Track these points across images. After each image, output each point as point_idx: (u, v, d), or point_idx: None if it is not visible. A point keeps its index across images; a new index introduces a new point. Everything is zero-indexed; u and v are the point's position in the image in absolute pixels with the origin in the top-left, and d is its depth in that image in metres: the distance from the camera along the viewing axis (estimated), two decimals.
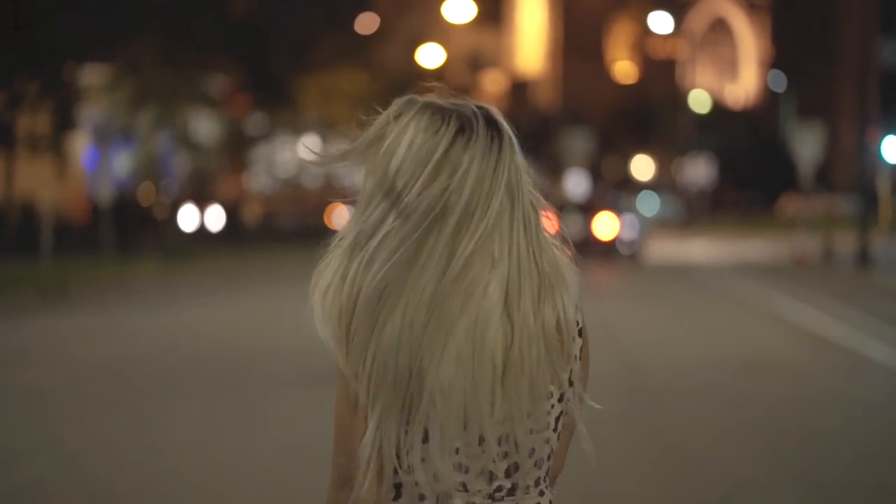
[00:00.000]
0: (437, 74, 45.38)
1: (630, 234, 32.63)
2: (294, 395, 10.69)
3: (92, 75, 35.19)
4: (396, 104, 2.02)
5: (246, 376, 11.86)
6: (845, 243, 30.35)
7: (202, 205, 39.93)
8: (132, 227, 31.91)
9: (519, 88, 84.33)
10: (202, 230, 37.91)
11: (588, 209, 32.79)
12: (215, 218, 39.92)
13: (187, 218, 38.78)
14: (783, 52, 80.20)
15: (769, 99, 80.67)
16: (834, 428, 9.28)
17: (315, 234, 46.58)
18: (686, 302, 19.66)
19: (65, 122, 31.68)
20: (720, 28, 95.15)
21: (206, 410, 10.06)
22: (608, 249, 31.85)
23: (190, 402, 10.42)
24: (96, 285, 23.83)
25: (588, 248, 30.32)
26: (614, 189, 55.41)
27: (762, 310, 18.35)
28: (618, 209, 33.52)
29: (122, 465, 8.07)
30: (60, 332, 15.86)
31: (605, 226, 32.39)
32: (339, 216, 47.65)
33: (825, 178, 39.28)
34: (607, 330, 15.14)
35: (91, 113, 35.15)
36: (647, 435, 8.86)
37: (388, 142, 1.98)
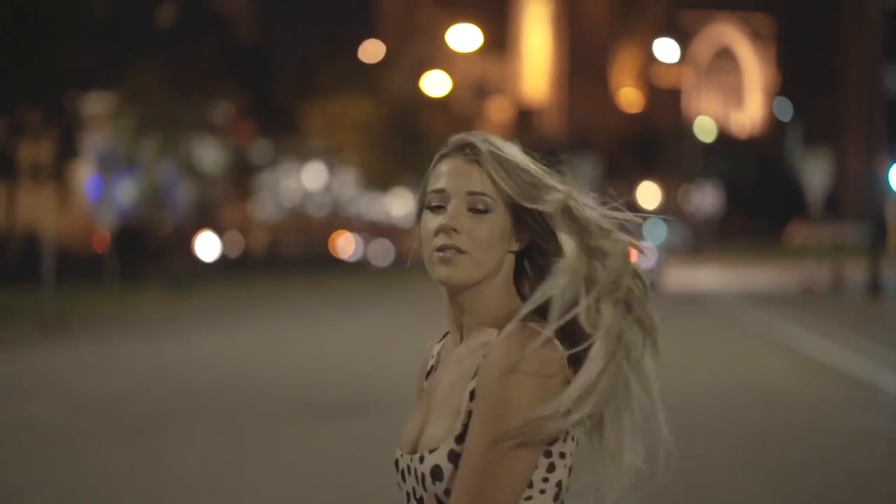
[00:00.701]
0: (442, 102, 45.35)
1: (648, 264, 32.25)
2: (297, 429, 10.40)
3: (95, 103, 34.99)
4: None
5: (247, 410, 11.56)
6: (854, 272, 30.00)
7: (210, 232, 39.69)
8: (137, 257, 31.61)
9: (524, 116, 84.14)
10: (202, 259, 37.62)
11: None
12: (228, 246, 39.63)
13: (207, 246, 38.49)
14: (788, 80, 79.95)
15: (774, 127, 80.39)
16: (852, 465, 8.95)
17: (320, 263, 46.23)
18: (695, 332, 19.34)
19: (67, 151, 31.45)
20: (725, 56, 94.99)
21: (204, 447, 9.76)
22: None
23: (187, 437, 10.12)
24: (98, 315, 23.54)
25: None
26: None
27: (773, 340, 18.02)
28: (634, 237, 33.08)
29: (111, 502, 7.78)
30: (60, 363, 15.58)
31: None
32: (344, 244, 47.46)
33: (833, 206, 38.95)
34: None
35: (94, 141, 34.95)
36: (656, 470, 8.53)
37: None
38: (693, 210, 60.97)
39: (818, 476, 8.50)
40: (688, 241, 58.77)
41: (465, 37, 36.55)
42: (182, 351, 17.09)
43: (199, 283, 31.73)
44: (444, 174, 2.06)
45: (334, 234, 43.99)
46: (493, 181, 2.03)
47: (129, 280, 29.66)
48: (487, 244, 2.01)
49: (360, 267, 46.49)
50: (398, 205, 57.30)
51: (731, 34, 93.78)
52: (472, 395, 1.96)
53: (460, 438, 1.95)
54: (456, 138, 2.10)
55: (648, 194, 69.59)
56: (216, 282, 33.06)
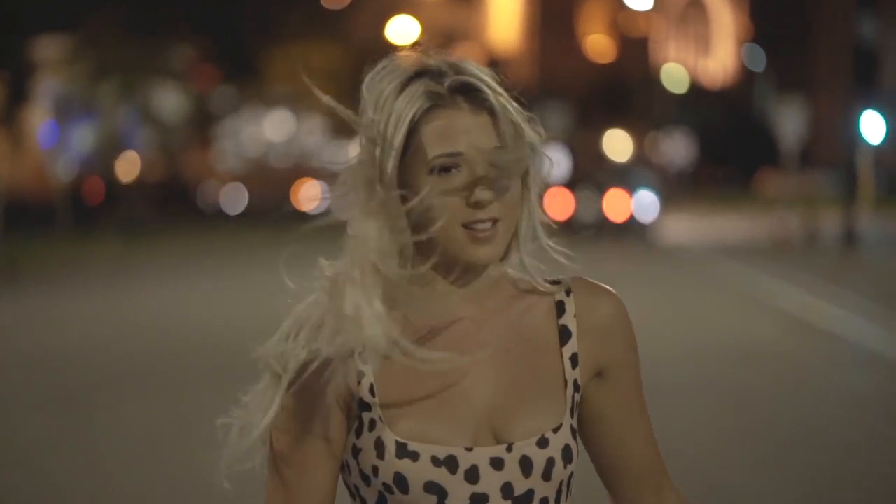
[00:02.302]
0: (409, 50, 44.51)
1: (646, 214, 31.44)
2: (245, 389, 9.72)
3: (50, 46, 34.03)
4: None
5: (194, 370, 10.92)
6: (828, 222, 29.58)
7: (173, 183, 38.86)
8: (93, 206, 30.77)
9: (493, 65, 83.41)
10: (170, 209, 36.75)
11: (600, 186, 31.57)
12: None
13: (235, 198, 37.70)
14: (760, 29, 79.61)
15: (746, 75, 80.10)
16: (841, 428, 8.48)
17: (283, 214, 45.40)
18: (666, 287, 18.82)
19: (18, 95, 30.54)
20: (696, 4, 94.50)
21: (146, 411, 9.12)
22: (621, 231, 30.63)
23: (129, 401, 9.52)
24: (50, 266, 22.87)
25: (601, 230, 29.36)
26: (621, 164, 53.81)
27: (749, 295, 17.55)
28: (629, 187, 32.17)
29: (45, 475, 7.14)
30: (4, 318, 14.89)
31: (618, 205, 31.23)
32: (309, 193, 46.53)
33: (804, 155, 38.61)
34: None
35: (49, 86, 34.00)
36: None
37: None
38: (664, 161, 60.51)
39: (805, 441, 8.11)
40: (659, 191, 58.20)
41: None
42: (133, 305, 16.45)
43: (157, 232, 30.97)
44: (454, 132, 1.77)
45: (297, 183, 43.01)
46: (510, 133, 1.78)
47: (85, 230, 28.83)
48: (515, 202, 1.80)
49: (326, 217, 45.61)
50: None
51: None
52: (575, 360, 1.83)
53: (573, 411, 1.82)
54: (447, 75, 1.79)
55: (619, 143, 69.17)
56: (175, 232, 32.29)
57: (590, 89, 73.91)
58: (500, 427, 1.78)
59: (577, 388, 1.82)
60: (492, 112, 1.77)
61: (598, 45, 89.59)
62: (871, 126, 30.32)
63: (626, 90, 73.52)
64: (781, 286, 18.39)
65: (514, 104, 1.80)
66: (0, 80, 30.70)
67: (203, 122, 42.47)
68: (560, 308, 1.84)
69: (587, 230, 29.26)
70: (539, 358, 1.82)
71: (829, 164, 52.25)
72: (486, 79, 1.80)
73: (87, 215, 29.82)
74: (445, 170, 1.76)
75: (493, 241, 1.77)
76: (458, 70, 1.80)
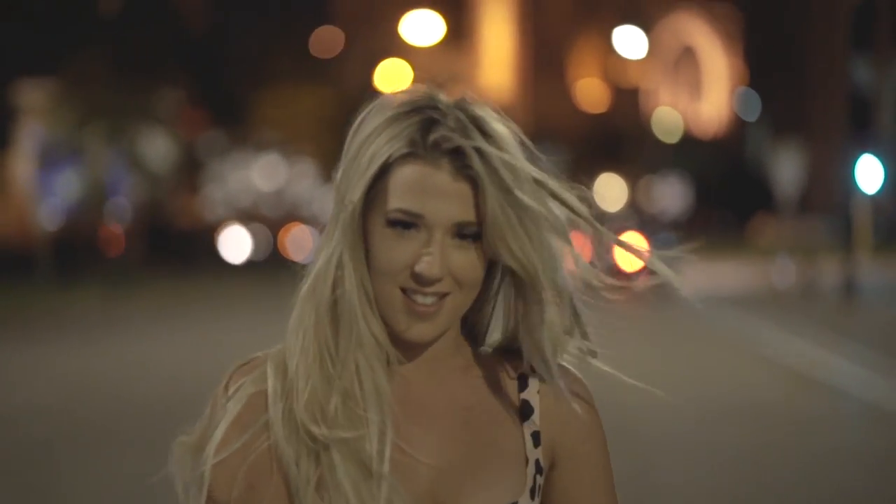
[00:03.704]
0: None
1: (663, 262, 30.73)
2: None
3: (34, 91, 33.60)
4: None
5: (166, 431, 10.31)
6: (826, 271, 29.09)
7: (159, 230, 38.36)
8: (77, 257, 30.17)
9: None
10: (151, 258, 36.14)
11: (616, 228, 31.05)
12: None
13: (234, 244, 37.15)
14: (754, 74, 79.73)
15: (739, 121, 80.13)
16: (842, 486, 7.95)
17: (270, 264, 44.80)
18: (660, 338, 18.29)
19: (2, 141, 30.12)
20: (689, 49, 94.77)
21: (112, 474, 8.55)
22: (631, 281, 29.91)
23: (95, 462, 8.94)
24: (27, 317, 22.31)
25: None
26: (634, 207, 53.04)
27: (748, 346, 17.05)
28: (647, 231, 31.38)
29: None
30: None
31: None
32: (296, 243, 45.81)
33: (801, 201, 38.28)
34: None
35: (33, 131, 33.54)
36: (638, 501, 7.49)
37: None
38: (658, 210, 60.17)
39: (805, 500, 7.48)
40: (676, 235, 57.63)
41: (422, 28, 35.55)
42: (107, 359, 15.88)
43: (142, 282, 30.39)
44: (420, 189, 1.60)
45: (284, 228, 42.33)
46: (483, 209, 1.59)
47: (66, 280, 28.25)
48: (475, 281, 1.62)
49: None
50: None
51: (694, 27, 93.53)
52: (537, 439, 1.68)
53: (533, 492, 1.67)
54: (441, 109, 1.62)
55: (613, 188, 68.88)
56: (162, 281, 31.70)
57: (583, 137, 73.94)
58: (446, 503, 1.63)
59: (539, 469, 1.68)
60: (474, 184, 1.58)
61: (591, 92, 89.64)
62: (868, 172, 29.95)
63: (619, 138, 73.60)
64: (781, 337, 17.93)
65: (523, 168, 1.60)
66: None
67: (191, 168, 42.05)
68: (522, 381, 1.71)
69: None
70: (497, 430, 1.68)
71: (826, 210, 51.92)
72: (479, 144, 1.58)
73: (70, 265, 29.24)
74: (404, 226, 1.59)
75: (432, 320, 1.60)
76: (456, 121, 1.60)
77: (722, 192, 69.16)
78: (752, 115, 72.69)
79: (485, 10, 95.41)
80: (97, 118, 34.07)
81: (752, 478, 8.56)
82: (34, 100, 33.62)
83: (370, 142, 1.61)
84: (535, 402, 1.70)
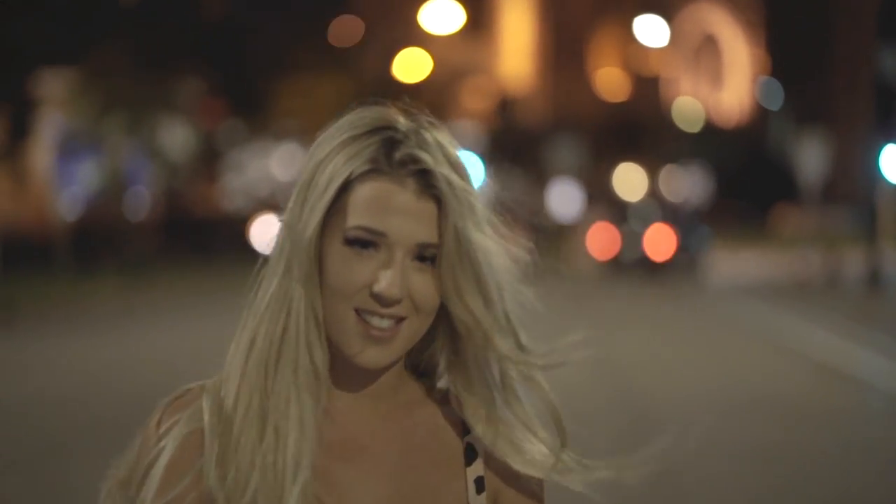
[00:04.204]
0: (417, 87, 44.08)
1: (690, 252, 30.24)
2: None
3: (54, 81, 33.56)
4: None
5: None
6: (850, 261, 28.80)
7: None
8: (96, 246, 30.09)
9: (506, 103, 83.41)
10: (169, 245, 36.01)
11: (643, 218, 30.42)
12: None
13: (268, 234, 36.94)
14: (777, 63, 79.33)
15: (761, 110, 79.80)
16: (868, 482, 7.77)
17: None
18: (682, 330, 18.09)
19: (20, 131, 30.10)
20: (711, 39, 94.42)
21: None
22: (662, 271, 29.39)
23: (113, 457, 8.75)
24: (49, 307, 22.28)
25: (641, 270, 28.31)
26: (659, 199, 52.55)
27: (773, 339, 16.86)
28: (676, 222, 30.96)
29: None
30: None
31: (660, 242, 30.11)
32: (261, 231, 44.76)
33: (825, 191, 37.94)
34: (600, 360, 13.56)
35: (53, 121, 33.51)
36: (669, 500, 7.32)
37: None
38: (680, 200, 59.82)
39: (832, 497, 7.42)
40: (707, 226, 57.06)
41: (442, 17, 35.37)
42: (125, 350, 15.81)
43: (162, 272, 30.28)
44: (383, 207, 1.53)
45: (250, 219, 41.06)
46: (444, 231, 1.54)
47: (85, 270, 28.20)
48: (432, 307, 1.55)
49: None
50: None
51: (716, 16, 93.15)
52: (480, 485, 1.60)
53: None
54: (400, 133, 1.56)
55: (632, 178, 68.58)
56: (176, 272, 31.55)
57: (603, 127, 73.76)
58: None
59: None
60: (439, 203, 1.54)
61: (611, 82, 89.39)
62: (893, 161, 29.68)
63: (639, 128, 73.39)
64: (805, 328, 17.73)
65: (478, 205, 1.55)
66: (1, 115, 30.25)
67: (210, 158, 41.97)
68: (466, 424, 1.62)
69: (632, 269, 28.46)
70: (438, 475, 1.60)
71: (850, 200, 51.61)
72: (445, 171, 1.54)
73: (89, 255, 29.19)
74: (363, 244, 1.53)
75: (388, 345, 1.53)
76: (420, 142, 1.55)
77: (744, 182, 68.87)
78: (775, 104, 72.32)
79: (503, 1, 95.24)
80: (117, 108, 34.03)
81: (779, 471, 8.40)
82: (54, 90, 33.59)
83: (327, 162, 1.55)
84: (479, 446, 1.61)
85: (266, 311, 1.55)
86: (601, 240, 32.18)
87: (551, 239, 37.11)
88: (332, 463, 1.56)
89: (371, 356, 1.53)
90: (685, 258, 30.21)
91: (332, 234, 1.54)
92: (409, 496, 1.58)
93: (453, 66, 67.55)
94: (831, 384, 12.69)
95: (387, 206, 1.52)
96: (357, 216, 1.52)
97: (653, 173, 67.87)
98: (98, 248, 30.21)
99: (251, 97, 41.39)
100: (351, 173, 1.53)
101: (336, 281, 1.53)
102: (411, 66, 41.26)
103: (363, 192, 1.53)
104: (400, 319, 1.53)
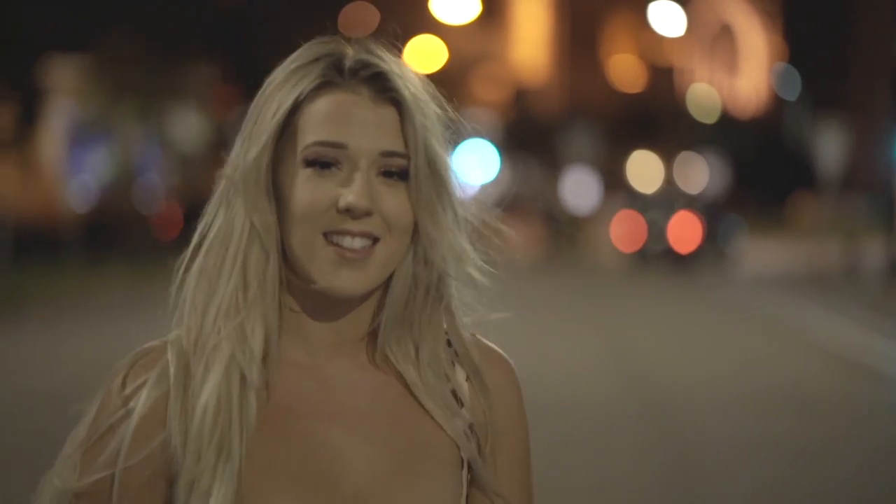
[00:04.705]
0: (431, 75, 43.94)
1: (717, 242, 29.45)
2: None
3: (64, 68, 33.38)
4: None
5: None
6: (870, 251, 28.42)
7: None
8: (107, 238, 29.90)
9: (521, 94, 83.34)
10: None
11: (666, 208, 29.44)
12: None
13: None
14: (795, 50, 79.05)
15: (778, 98, 79.52)
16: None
17: None
18: (704, 325, 17.80)
19: (30, 119, 29.95)
20: (727, 27, 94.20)
21: None
22: (688, 262, 28.57)
23: None
24: (56, 298, 22.07)
25: (667, 261, 27.58)
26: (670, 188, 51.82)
27: (793, 331, 16.59)
28: (701, 211, 30.19)
29: None
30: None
31: (685, 232, 29.30)
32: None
33: (843, 180, 37.65)
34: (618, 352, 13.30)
35: (63, 109, 33.34)
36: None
37: None
38: (698, 190, 59.60)
39: (851, 488, 7.33)
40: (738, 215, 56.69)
41: (455, 5, 35.12)
42: (136, 341, 15.50)
43: (171, 263, 29.99)
44: (340, 117, 1.45)
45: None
46: (414, 136, 1.46)
47: (95, 261, 28.01)
48: (405, 225, 1.46)
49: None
50: None
51: (733, 3, 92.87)
52: (472, 430, 1.51)
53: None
54: (348, 55, 1.50)
55: (648, 167, 68.21)
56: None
57: (618, 116, 73.65)
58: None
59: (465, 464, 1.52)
60: (399, 107, 1.46)
61: (627, 70, 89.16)
62: None
63: (655, 117, 73.26)
64: (826, 321, 17.43)
65: (437, 107, 1.50)
66: (11, 102, 30.09)
67: (222, 146, 41.80)
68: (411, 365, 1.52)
69: (657, 260, 27.84)
70: (428, 427, 1.49)
71: (868, 189, 51.31)
72: (397, 69, 1.49)
73: (99, 245, 29.02)
74: (324, 165, 1.44)
75: (363, 268, 1.43)
76: (369, 50, 1.50)
77: (761, 171, 68.66)
78: (793, 92, 72.02)
79: None
80: (128, 96, 33.86)
81: (810, 472, 8.17)
82: (64, 77, 33.41)
83: (273, 94, 1.48)
84: (463, 391, 1.51)
85: (210, 251, 1.49)
86: (625, 230, 31.50)
87: (568, 230, 36.86)
88: (317, 425, 1.46)
89: (346, 280, 1.42)
90: (712, 249, 29.55)
91: (287, 160, 1.45)
92: (402, 457, 1.48)
93: (467, 55, 67.33)
94: (852, 376, 12.41)
95: (343, 116, 1.44)
96: (313, 133, 1.44)
97: (669, 162, 67.61)
98: (108, 238, 30.07)
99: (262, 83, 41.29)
100: (300, 94, 1.45)
101: (299, 207, 1.43)
102: (424, 55, 41.01)
103: (316, 108, 1.45)
104: (374, 241, 1.44)
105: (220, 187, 1.50)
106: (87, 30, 31.14)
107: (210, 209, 1.51)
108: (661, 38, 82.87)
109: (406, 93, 1.46)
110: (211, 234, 1.50)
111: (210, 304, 1.47)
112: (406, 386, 1.50)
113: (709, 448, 8.70)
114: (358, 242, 1.43)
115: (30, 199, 31.60)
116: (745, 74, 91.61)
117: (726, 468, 8.13)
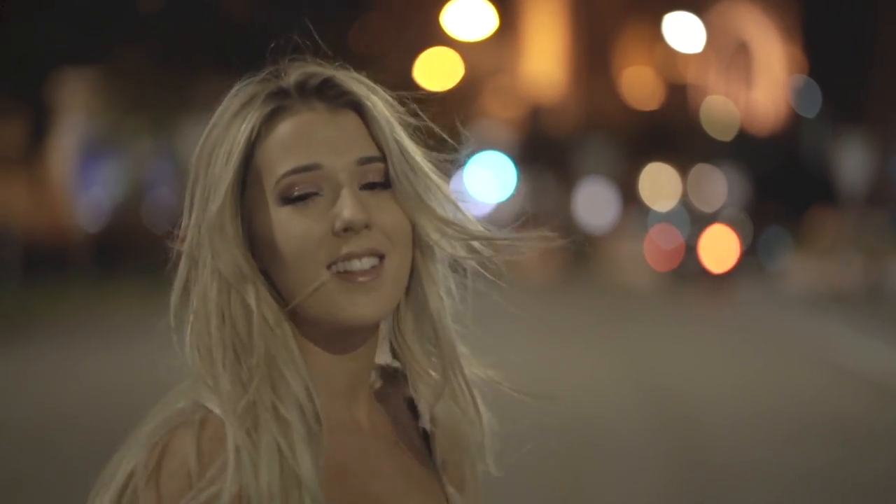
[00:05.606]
0: (447, 91, 43.93)
1: (758, 258, 28.61)
2: None
3: (75, 82, 33.34)
4: None
5: None
6: (893, 270, 27.97)
7: None
8: (118, 256, 29.79)
9: (535, 111, 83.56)
10: None
11: (700, 222, 28.32)
12: None
13: None
14: (814, 63, 79.04)
15: (796, 113, 79.49)
16: None
17: None
18: (728, 342, 17.41)
19: (40, 135, 29.91)
20: (744, 42, 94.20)
21: None
22: (720, 284, 27.58)
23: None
24: (65, 316, 21.92)
25: (694, 281, 26.57)
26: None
27: (817, 353, 16.28)
28: (736, 223, 29.45)
29: None
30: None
31: (721, 249, 28.27)
32: None
33: (866, 195, 37.32)
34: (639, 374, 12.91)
35: (74, 124, 33.29)
36: None
37: None
38: (716, 206, 59.48)
39: None
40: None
41: (468, 18, 34.90)
42: (146, 362, 15.21)
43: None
44: (305, 140, 1.39)
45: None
46: (383, 136, 1.41)
47: (105, 278, 27.85)
48: (404, 233, 1.41)
49: None
50: None
51: (750, 17, 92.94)
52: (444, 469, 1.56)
53: None
54: (288, 74, 1.46)
55: (663, 182, 67.84)
56: None
57: (634, 131, 73.73)
58: None
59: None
60: (358, 109, 1.41)
61: (642, 86, 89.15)
62: None
63: (671, 133, 73.34)
64: (852, 342, 17.08)
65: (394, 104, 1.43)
66: (21, 118, 30.04)
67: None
68: (411, 406, 1.51)
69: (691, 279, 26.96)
70: (412, 461, 1.47)
71: (890, 205, 51.01)
72: (342, 72, 1.44)
73: (109, 262, 28.92)
74: (302, 198, 1.37)
75: (377, 288, 1.37)
76: (304, 64, 1.44)
77: (779, 187, 68.51)
78: (812, 107, 71.91)
79: (529, 3, 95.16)
80: (139, 111, 33.80)
81: (836, 495, 7.77)
82: (74, 93, 33.37)
83: (221, 139, 1.40)
84: (430, 430, 1.50)
85: (195, 326, 1.39)
86: (659, 248, 30.46)
87: (587, 247, 36.41)
88: (368, 480, 1.41)
89: (362, 306, 1.36)
90: (753, 265, 28.58)
91: (259, 206, 1.37)
92: (397, 489, 1.43)
93: (480, 69, 67.25)
94: (889, 403, 12.03)
95: (306, 137, 1.39)
96: (280, 164, 1.38)
97: (685, 176, 67.46)
98: (119, 256, 29.95)
99: None
100: (252, 131, 1.39)
101: (291, 246, 1.36)
102: (434, 67, 40.80)
103: (275, 139, 1.39)
104: (380, 257, 1.37)
105: (183, 257, 1.42)
106: (97, 45, 31.13)
107: (177, 284, 1.43)
108: (677, 54, 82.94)
109: (360, 91, 1.41)
110: (192, 305, 1.40)
111: (219, 377, 1.38)
112: (390, 421, 1.47)
113: (741, 479, 8.38)
114: (366, 262, 1.37)
115: (39, 216, 31.48)
116: (763, 86, 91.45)
117: (763, 502, 7.79)
